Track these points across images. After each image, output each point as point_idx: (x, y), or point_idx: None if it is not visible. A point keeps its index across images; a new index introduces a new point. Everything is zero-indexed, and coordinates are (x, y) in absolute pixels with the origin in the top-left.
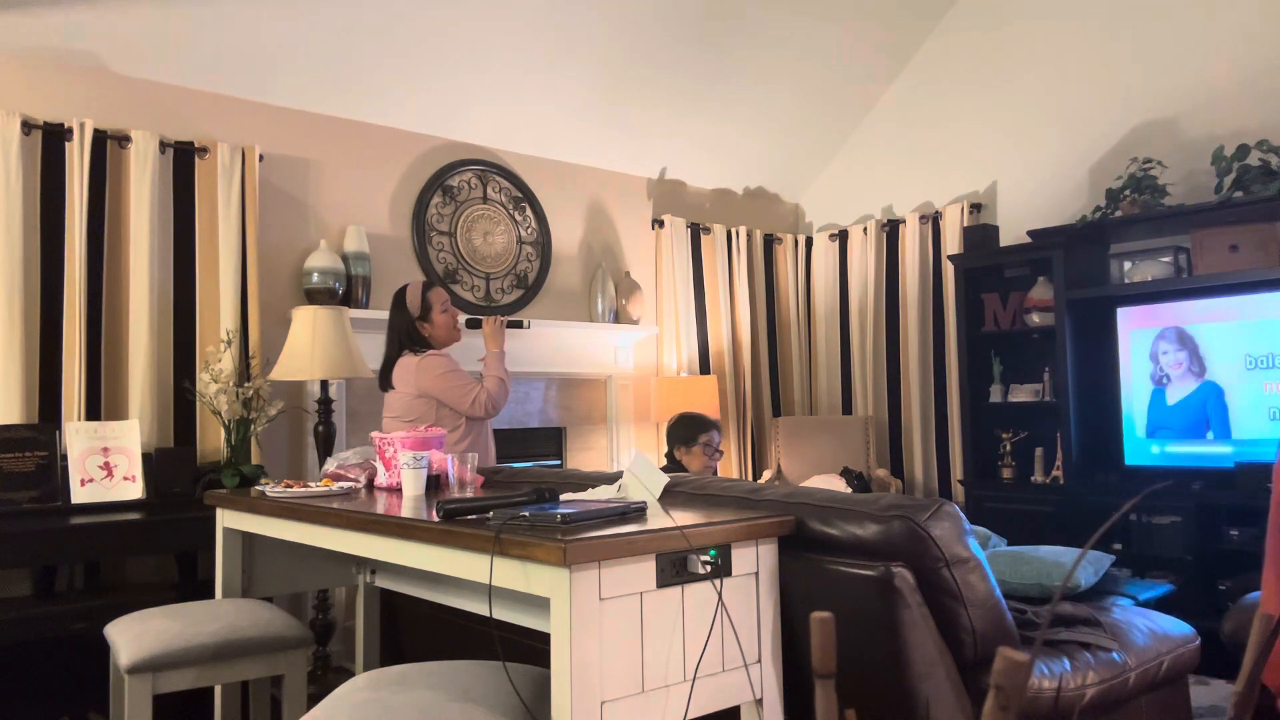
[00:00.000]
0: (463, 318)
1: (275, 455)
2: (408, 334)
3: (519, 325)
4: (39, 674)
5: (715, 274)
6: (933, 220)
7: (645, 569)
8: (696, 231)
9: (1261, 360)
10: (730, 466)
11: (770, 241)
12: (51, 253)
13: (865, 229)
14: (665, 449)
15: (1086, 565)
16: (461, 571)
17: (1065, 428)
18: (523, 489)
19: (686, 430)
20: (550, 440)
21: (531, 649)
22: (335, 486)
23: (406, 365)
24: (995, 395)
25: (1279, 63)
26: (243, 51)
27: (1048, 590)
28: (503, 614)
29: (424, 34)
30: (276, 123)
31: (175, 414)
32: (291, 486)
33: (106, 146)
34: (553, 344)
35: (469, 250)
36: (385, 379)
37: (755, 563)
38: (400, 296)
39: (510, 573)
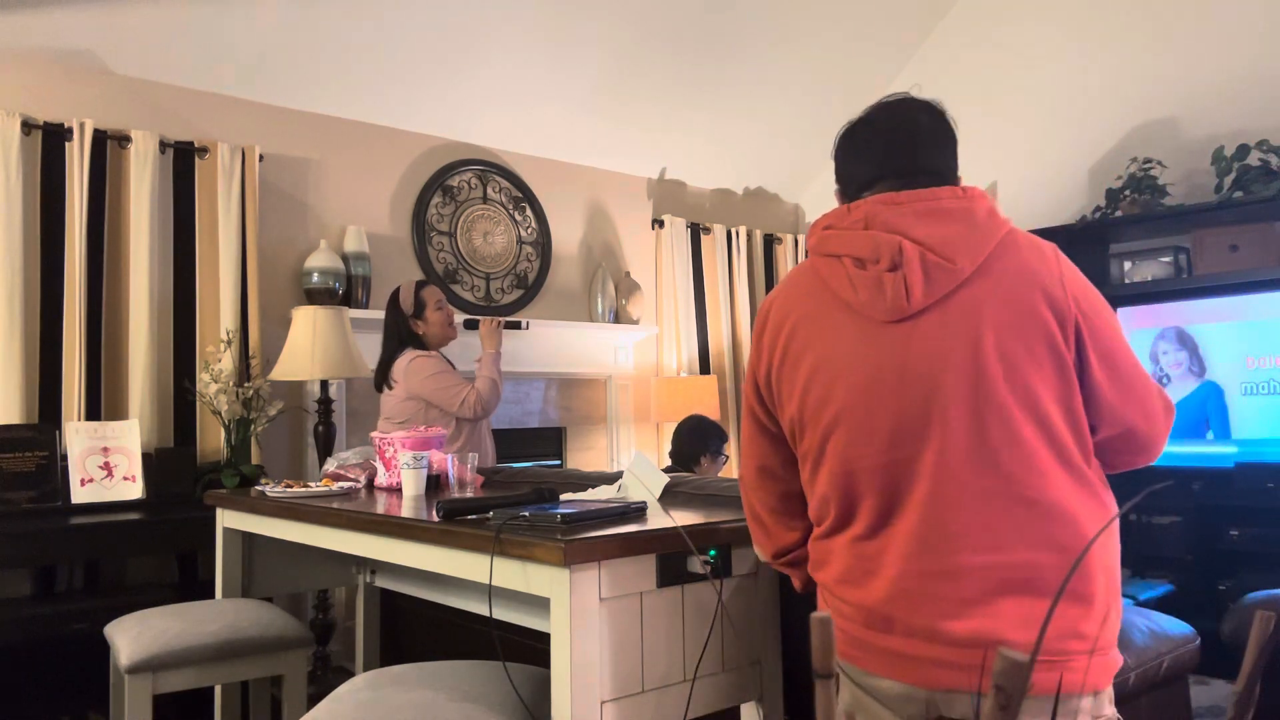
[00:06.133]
0: (460, 318)
1: (275, 455)
2: (402, 334)
3: (517, 326)
4: (39, 674)
5: (715, 274)
6: None
7: (645, 569)
8: (696, 231)
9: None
10: (730, 466)
11: (770, 241)
12: (51, 253)
13: None
14: (671, 449)
15: None
16: (461, 571)
17: None
18: (523, 489)
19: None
20: (550, 440)
21: (531, 649)
22: (335, 486)
23: (397, 367)
24: None
25: (1279, 63)
26: (243, 51)
27: None
28: (503, 614)
29: (424, 34)
30: (276, 123)
31: (175, 414)
32: (291, 486)
33: (106, 146)
34: (552, 344)
35: (469, 250)
36: (380, 379)
37: (755, 563)
38: (395, 296)
39: (510, 573)
